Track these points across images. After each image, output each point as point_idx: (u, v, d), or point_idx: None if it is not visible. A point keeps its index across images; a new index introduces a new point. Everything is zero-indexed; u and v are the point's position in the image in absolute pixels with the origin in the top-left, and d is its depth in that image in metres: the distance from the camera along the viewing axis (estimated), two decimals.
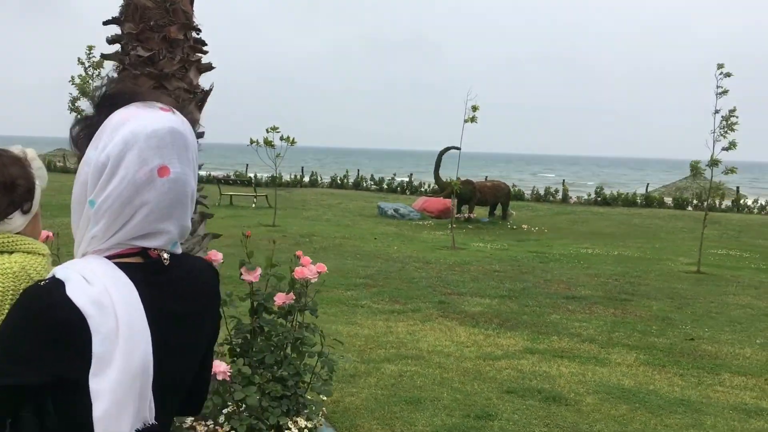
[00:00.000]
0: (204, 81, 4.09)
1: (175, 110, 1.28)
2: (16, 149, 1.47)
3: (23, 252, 1.37)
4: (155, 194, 1.22)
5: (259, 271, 4.44)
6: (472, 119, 14.68)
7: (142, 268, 1.25)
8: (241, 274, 4.43)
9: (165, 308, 1.26)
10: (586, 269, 12.46)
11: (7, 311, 1.23)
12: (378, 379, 5.61)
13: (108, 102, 1.27)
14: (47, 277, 1.21)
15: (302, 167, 38.03)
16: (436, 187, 21.46)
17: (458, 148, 20.05)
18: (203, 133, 4.16)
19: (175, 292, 1.30)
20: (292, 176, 34.11)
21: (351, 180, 34.24)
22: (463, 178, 20.52)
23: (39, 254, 1.39)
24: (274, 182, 24.61)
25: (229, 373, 3.60)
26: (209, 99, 4.09)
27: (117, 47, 4.01)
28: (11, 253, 1.35)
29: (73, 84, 19.75)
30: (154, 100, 1.28)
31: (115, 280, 1.20)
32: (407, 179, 33.07)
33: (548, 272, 11.96)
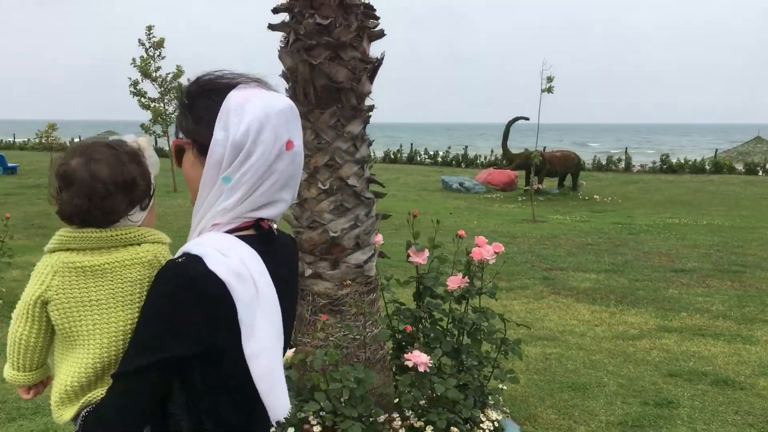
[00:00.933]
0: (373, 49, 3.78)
1: (273, 90, 1.38)
2: (129, 139, 1.46)
3: (150, 243, 1.41)
4: (282, 166, 1.32)
5: (426, 253, 4.16)
6: (549, 89, 14.10)
7: (257, 239, 1.33)
8: (408, 255, 4.16)
9: (278, 275, 1.33)
10: (680, 240, 11.94)
11: (147, 296, 1.30)
12: (525, 364, 5.31)
13: (209, 87, 1.34)
14: (178, 255, 1.27)
15: None
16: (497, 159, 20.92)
17: (526, 119, 19.52)
18: (372, 106, 3.88)
19: (282, 260, 1.40)
20: None
21: (404, 154, 33.80)
22: (531, 149, 20.04)
23: (163, 243, 1.43)
24: None
25: (429, 365, 3.34)
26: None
27: (284, 17, 3.72)
28: (140, 244, 1.39)
29: (134, 66, 19.63)
30: (249, 85, 1.34)
31: (246, 251, 1.27)
32: (462, 152, 32.51)
33: (643, 244, 11.49)
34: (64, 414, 1.33)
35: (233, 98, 1.30)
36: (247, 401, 1.30)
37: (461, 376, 3.63)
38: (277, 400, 1.31)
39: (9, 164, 24.77)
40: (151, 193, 1.43)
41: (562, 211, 16.54)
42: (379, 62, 3.73)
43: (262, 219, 1.36)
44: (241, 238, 1.31)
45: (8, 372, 1.43)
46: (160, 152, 29.55)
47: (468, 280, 4.05)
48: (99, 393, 1.31)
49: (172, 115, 19.61)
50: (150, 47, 19.63)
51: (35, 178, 22.58)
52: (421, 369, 3.30)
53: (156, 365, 1.22)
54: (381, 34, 3.74)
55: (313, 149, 3.64)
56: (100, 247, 1.35)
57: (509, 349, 3.89)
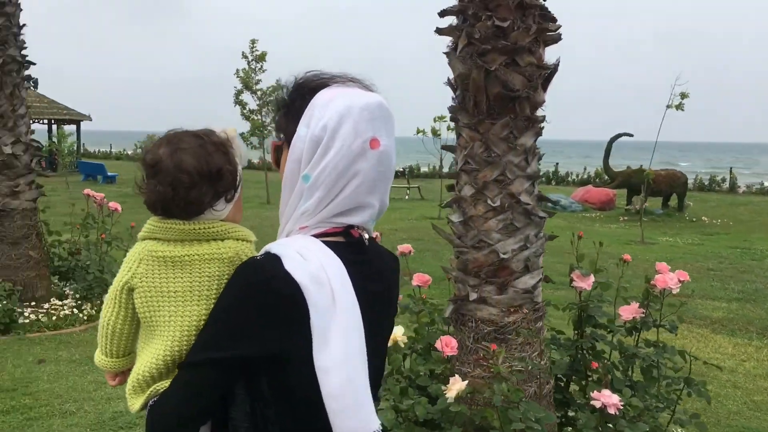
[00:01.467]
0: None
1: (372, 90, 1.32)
2: (217, 130, 1.42)
3: (234, 239, 1.36)
4: (366, 165, 1.24)
5: (592, 278, 3.80)
6: (678, 106, 13.36)
7: (346, 247, 1.26)
8: (572, 280, 3.82)
9: (366, 287, 1.26)
10: None
11: (222, 291, 1.27)
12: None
13: (305, 86, 1.31)
14: (261, 253, 1.24)
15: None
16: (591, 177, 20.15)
17: (630, 135, 18.77)
18: (544, 117, 3.56)
19: (373, 272, 1.32)
20: (431, 167, 33.59)
21: None
22: (633, 167, 19.23)
23: (248, 241, 1.39)
24: (435, 173, 24.11)
25: (620, 406, 2.97)
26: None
27: (451, 20, 3.46)
28: (223, 240, 1.35)
29: (237, 77, 20.04)
30: (344, 84, 1.31)
31: (328, 258, 1.21)
32: (552, 168, 31.70)
33: None
34: (136, 403, 1.32)
35: (321, 95, 1.27)
36: (313, 417, 1.20)
37: (645, 419, 3.24)
38: (348, 422, 1.18)
39: (108, 173, 25.68)
40: (238, 184, 1.38)
41: (670, 233, 15.70)
42: (554, 69, 3.41)
43: (352, 226, 1.29)
44: (329, 244, 1.25)
45: (97, 356, 1.44)
46: (250, 165, 30.40)
47: (643, 311, 3.67)
48: (166, 384, 1.28)
49: (269, 127, 19.90)
50: (252, 60, 20.01)
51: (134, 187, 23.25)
52: (611, 411, 2.94)
53: (219, 362, 1.18)
54: (558, 38, 3.43)
55: (481, 162, 3.36)
56: (183, 239, 1.33)
57: (695, 390, 3.48)
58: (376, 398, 1.30)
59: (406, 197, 22.73)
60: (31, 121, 6.76)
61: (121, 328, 1.37)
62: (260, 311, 1.16)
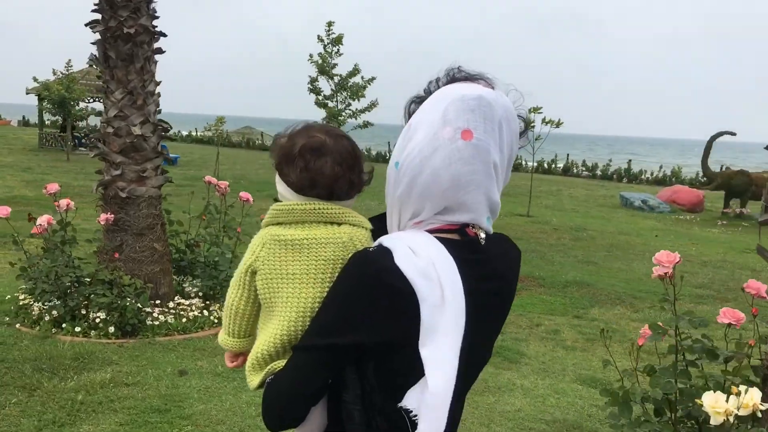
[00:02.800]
0: None
1: (497, 89, 1.30)
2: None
3: (350, 224, 1.40)
4: (456, 156, 1.22)
5: None
6: None
7: (460, 245, 1.27)
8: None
9: (479, 287, 1.26)
10: None
11: (336, 279, 1.30)
12: None
13: (436, 83, 1.33)
14: (374, 245, 1.27)
15: None
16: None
17: (733, 134, 17.61)
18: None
19: (488, 272, 1.31)
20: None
21: (560, 165, 32.15)
22: (735, 168, 18.07)
23: (364, 228, 1.42)
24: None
25: None
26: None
27: None
28: (339, 224, 1.40)
29: (311, 62, 19.33)
30: (474, 81, 1.31)
31: (439, 254, 1.22)
32: (625, 166, 30.46)
33: None
34: (254, 380, 1.38)
35: (443, 89, 1.30)
36: None
37: None
38: (430, 425, 1.18)
39: (171, 154, 25.31)
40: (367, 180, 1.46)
41: None
42: None
43: (467, 225, 1.29)
44: (443, 241, 1.26)
45: (221, 336, 1.51)
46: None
47: None
48: (282, 363, 1.34)
49: (343, 113, 19.19)
50: (329, 43, 19.26)
51: (196, 170, 22.85)
52: None
53: (330, 348, 1.22)
54: None
55: None
56: (304, 220, 1.38)
57: None
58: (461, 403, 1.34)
59: None
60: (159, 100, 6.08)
61: (244, 309, 1.44)
62: (372, 302, 1.19)
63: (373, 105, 19.20)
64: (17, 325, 5.54)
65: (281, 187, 1.43)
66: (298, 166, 1.38)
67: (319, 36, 19.38)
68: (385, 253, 1.21)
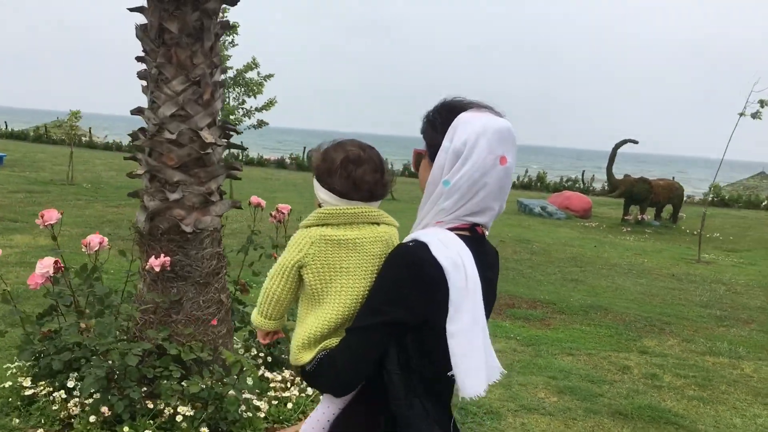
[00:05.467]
0: None
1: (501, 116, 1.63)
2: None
3: (386, 224, 1.70)
4: (495, 177, 1.56)
5: None
6: (755, 115, 12.38)
7: (472, 240, 1.59)
8: None
9: (485, 274, 1.59)
10: None
11: (381, 269, 1.59)
12: None
13: (450, 107, 1.63)
14: (408, 240, 1.59)
15: None
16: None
17: (635, 142, 18.03)
18: None
19: (487, 264, 1.65)
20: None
21: None
22: (634, 176, 18.54)
23: (395, 226, 1.73)
24: None
25: None
26: None
27: None
28: (379, 224, 1.69)
29: None
30: (480, 109, 1.62)
31: (464, 247, 1.54)
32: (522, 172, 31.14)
33: None
34: (304, 356, 1.63)
35: (463, 116, 1.59)
36: (442, 368, 1.51)
37: None
38: (468, 380, 1.49)
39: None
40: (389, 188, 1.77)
41: (693, 248, 14.98)
42: None
43: (477, 224, 1.62)
44: (460, 236, 1.57)
45: (255, 317, 1.75)
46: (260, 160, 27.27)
47: None
48: (333, 342, 1.60)
49: (237, 110, 17.28)
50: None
51: (32, 171, 19.70)
52: None
53: (380, 325, 1.52)
54: None
55: None
56: (351, 222, 1.64)
57: None
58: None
59: None
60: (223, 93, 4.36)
61: (285, 298, 1.69)
62: (415, 286, 1.49)
63: (270, 103, 17.47)
64: None
65: (324, 194, 1.68)
66: (342, 176, 1.65)
67: None
68: (424, 247, 1.52)
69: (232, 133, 4.40)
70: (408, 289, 1.49)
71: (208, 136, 4.09)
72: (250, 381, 3.79)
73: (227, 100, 17.38)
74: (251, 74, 17.48)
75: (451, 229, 1.59)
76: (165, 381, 3.72)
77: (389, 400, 1.56)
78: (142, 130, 4.25)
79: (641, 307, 8.57)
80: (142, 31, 4.06)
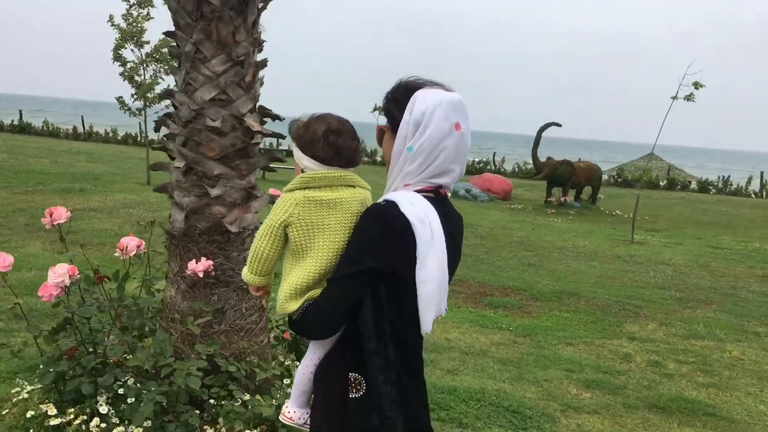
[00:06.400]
0: None
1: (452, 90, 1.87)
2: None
3: (360, 187, 1.91)
4: (452, 142, 1.80)
5: None
6: (689, 97, 12.74)
7: (436, 200, 1.82)
8: None
9: (448, 230, 1.81)
10: None
11: (356, 225, 1.80)
12: None
13: (408, 86, 1.86)
14: (384, 200, 1.78)
15: None
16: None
17: (559, 125, 18.42)
18: None
19: (451, 222, 1.86)
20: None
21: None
22: (558, 159, 18.94)
23: (367, 189, 1.93)
24: None
25: None
26: None
27: None
28: (354, 187, 1.90)
29: (112, 25, 15.98)
30: (433, 86, 1.86)
31: (429, 206, 1.77)
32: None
33: None
34: (291, 305, 1.80)
35: (419, 93, 1.82)
36: (411, 314, 1.77)
37: None
38: (428, 317, 1.77)
39: None
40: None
41: (620, 229, 15.52)
42: None
43: (440, 186, 1.85)
44: (426, 197, 1.79)
45: (246, 274, 1.95)
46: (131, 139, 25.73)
47: None
48: (317, 292, 1.79)
49: (154, 89, 16.22)
50: (134, 4, 16.08)
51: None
52: None
53: (357, 274, 1.72)
54: None
55: None
56: (332, 185, 1.85)
57: None
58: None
59: None
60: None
61: (273, 255, 1.87)
62: (385, 238, 1.71)
63: None
64: None
65: (308, 161, 1.88)
66: (325, 145, 1.87)
67: None
68: (394, 205, 1.75)
69: (271, 117, 3.92)
70: (380, 241, 1.72)
71: (253, 123, 3.62)
72: None
73: (143, 76, 16.30)
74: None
75: (417, 191, 1.80)
76: (223, 402, 3.28)
77: (362, 341, 1.77)
78: (169, 116, 3.72)
79: (607, 291, 8.68)
80: (176, 2, 3.53)
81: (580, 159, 21.27)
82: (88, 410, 3.35)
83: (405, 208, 1.71)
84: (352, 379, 1.78)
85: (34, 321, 3.43)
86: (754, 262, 11.89)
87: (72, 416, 3.32)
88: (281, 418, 2.05)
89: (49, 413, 3.33)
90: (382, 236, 1.71)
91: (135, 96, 16.16)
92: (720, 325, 7.41)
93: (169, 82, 16.76)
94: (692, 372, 5.72)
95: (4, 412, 3.55)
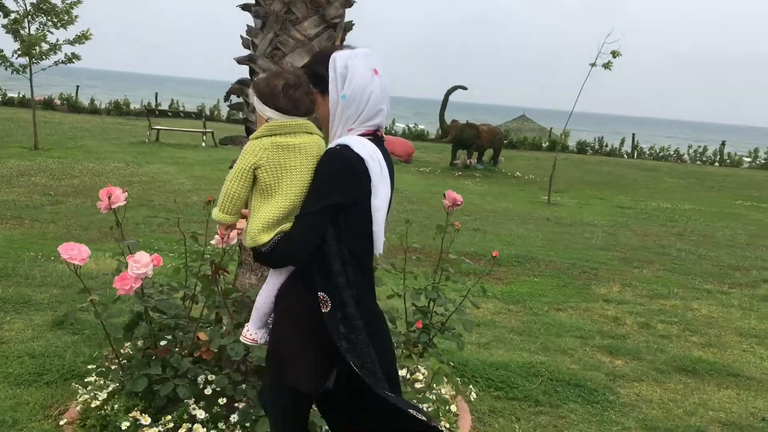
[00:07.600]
0: None
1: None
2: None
3: (316, 134, 2.19)
4: (376, 85, 2.13)
5: None
6: (607, 65, 13.17)
7: (376, 141, 2.17)
8: None
9: (389, 166, 2.19)
10: (728, 226, 12.20)
11: (317, 167, 2.12)
12: None
13: (322, 55, 2.21)
14: (335, 144, 2.12)
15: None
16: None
17: (465, 88, 18.61)
18: None
19: (387, 157, 2.19)
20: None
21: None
22: (463, 122, 19.17)
23: (321, 136, 2.20)
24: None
25: None
26: None
27: None
28: (312, 134, 2.17)
29: None
30: (343, 48, 2.20)
31: (373, 146, 2.12)
32: None
33: (719, 231, 11.52)
34: (262, 238, 2.08)
35: (336, 54, 2.15)
36: (367, 238, 2.14)
37: None
38: (380, 242, 2.16)
39: None
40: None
41: (527, 190, 16.06)
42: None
43: (377, 129, 2.19)
44: (369, 139, 2.14)
45: (217, 214, 2.17)
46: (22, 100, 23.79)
47: None
48: (287, 226, 2.09)
49: (42, 43, 14.72)
50: None
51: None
52: None
53: (322, 209, 2.05)
54: None
55: None
56: (294, 132, 2.12)
57: None
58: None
59: (203, 144, 19.24)
60: None
61: (241, 195, 2.12)
62: (344, 177, 2.07)
63: (84, 36, 15.13)
64: None
65: (271, 113, 2.12)
66: (285, 98, 2.10)
67: None
68: (347, 147, 2.06)
69: None
70: (340, 178, 2.06)
71: None
72: (444, 390, 3.19)
73: (27, 29, 14.72)
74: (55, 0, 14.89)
75: (360, 135, 2.12)
76: None
77: (327, 264, 2.08)
78: (244, 83, 3.30)
79: (558, 255, 8.92)
80: None
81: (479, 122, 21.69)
82: (186, 416, 2.96)
83: (357, 148, 2.06)
84: (321, 297, 2.09)
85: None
86: (663, 221, 12.70)
87: (172, 424, 2.92)
88: (242, 339, 2.30)
89: (143, 422, 2.91)
90: (342, 174, 2.06)
91: (18, 52, 14.56)
92: (673, 284, 7.81)
93: (58, 36, 15.29)
94: (682, 332, 5.98)
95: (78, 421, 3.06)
